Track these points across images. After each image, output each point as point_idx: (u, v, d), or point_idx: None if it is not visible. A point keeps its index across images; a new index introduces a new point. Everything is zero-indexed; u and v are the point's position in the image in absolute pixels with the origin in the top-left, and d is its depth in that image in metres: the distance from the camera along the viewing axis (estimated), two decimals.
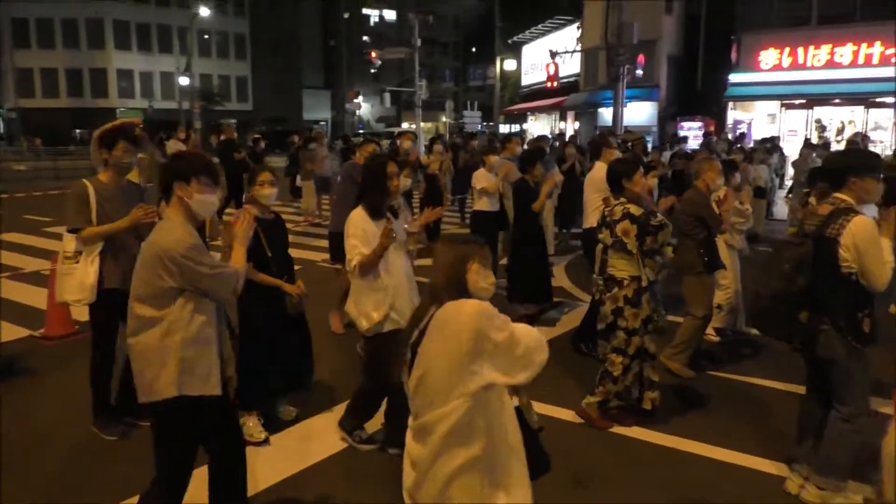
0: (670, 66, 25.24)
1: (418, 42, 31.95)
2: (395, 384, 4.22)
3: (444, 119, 51.75)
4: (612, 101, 23.90)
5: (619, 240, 4.43)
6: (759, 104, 23.91)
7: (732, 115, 24.07)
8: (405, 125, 48.76)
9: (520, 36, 35.61)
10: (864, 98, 21.61)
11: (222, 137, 11.94)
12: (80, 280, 4.23)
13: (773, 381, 5.36)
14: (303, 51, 62.12)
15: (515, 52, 38.94)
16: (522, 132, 32.75)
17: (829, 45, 21.97)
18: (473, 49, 61.92)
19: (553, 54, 22.88)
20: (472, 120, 39.66)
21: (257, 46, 58.25)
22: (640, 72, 20.31)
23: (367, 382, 4.27)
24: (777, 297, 3.58)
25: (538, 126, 34.43)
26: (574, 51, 26.07)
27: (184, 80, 41.93)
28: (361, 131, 44.04)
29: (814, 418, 3.76)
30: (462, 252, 2.40)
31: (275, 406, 4.62)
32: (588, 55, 27.06)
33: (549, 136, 19.30)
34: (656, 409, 4.55)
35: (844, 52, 21.82)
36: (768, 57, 23.21)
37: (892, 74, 20.64)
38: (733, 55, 23.70)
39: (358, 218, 3.96)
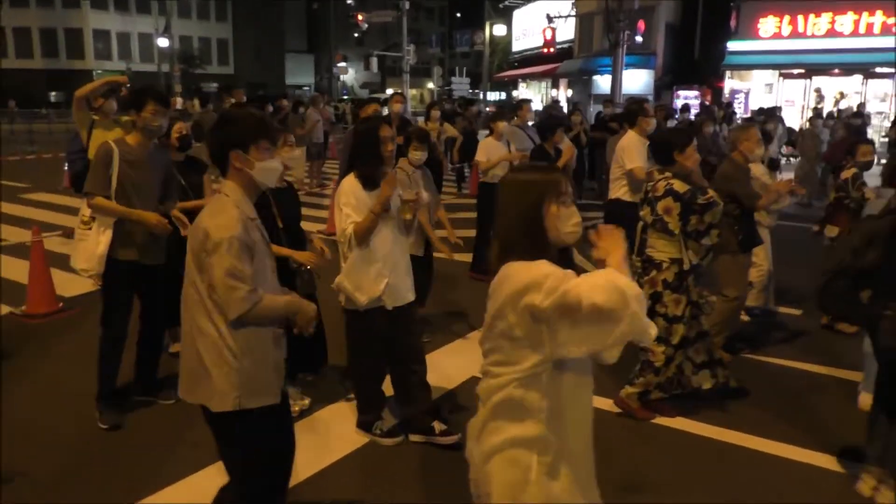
0: (668, 34, 24.70)
1: (406, 4, 31.08)
2: (390, 363, 3.89)
3: (429, 86, 50.76)
4: (607, 69, 23.41)
5: (659, 218, 4.04)
6: (756, 73, 23.54)
7: (730, 84, 23.67)
8: (389, 91, 47.80)
9: (511, 0, 34.76)
10: (864, 68, 21.30)
11: (233, 101, 11.51)
12: (90, 248, 3.94)
13: (810, 363, 5.08)
14: (285, 13, 60.59)
15: (505, 17, 38.08)
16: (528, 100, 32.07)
17: (830, 14, 21.57)
18: (459, 14, 60.71)
19: (550, 19, 22.22)
20: (461, 86, 38.82)
21: (239, 8, 56.63)
22: (639, 38, 19.78)
23: (355, 369, 3.95)
24: (839, 272, 3.21)
25: (529, 93, 33.78)
26: (569, 15, 25.37)
27: (163, 42, 40.63)
28: (346, 97, 43.08)
29: (882, 418, 3.42)
30: (533, 189, 1.95)
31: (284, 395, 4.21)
32: (583, 21, 26.42)
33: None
34: (710, 393, 4.26)
35: (845, 21, 21.44)
36: (768, 25, 22.76)
37: (893, 45, 20.34)
38: (732, 23, 23.23)
39: (348, 186, 3.59)
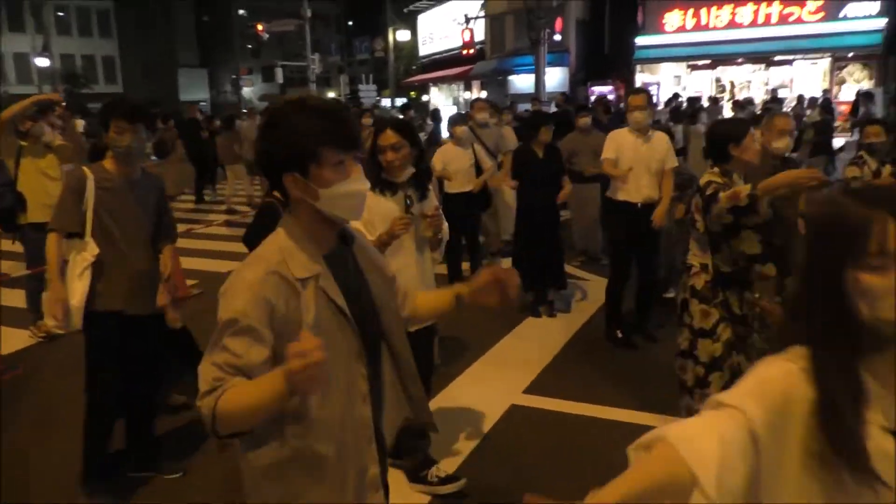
0: (579, 30, 25.01)
1: (308, 12, 30.16)
2: None
3: (330, 94, 49.66)
4: (524, 68, 23.48)
5: (691, 216, 3.68)
6: (664, 66, 24.17)
7: (640, 77, 24.19)
8: None
9: (415, 5, 34.41)
10: (765, 57, 22.25)
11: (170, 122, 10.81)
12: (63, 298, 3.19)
13: None
14: (175, 27, 57.84)
15: (408, 22, 37.69)
16: (479, 98, 31.78)
17: (731, 6, 22.39)
18: (351, 23, 59.80)
19: (468, 20, 21.98)
20: (368, 94, 38.15)
21: (124, 23, 53.49)
22: (557, 36, 19.84)
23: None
24: None
25: (441, 97, 33.54)
26: (477, 17, 25.22)
27: (42, 62, 37.73)
28: (245, 111, 41.46)
29: None
30: (832, 236, 1.14)
31: None
32: (494, 22, 26.38)
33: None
34: None
35: (745, 13, 22.30)
36: (673, 19, 23.42)
37: (790, 33, 21.35)
38: (639, 18, 23.75)
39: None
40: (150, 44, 54.85)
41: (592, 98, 21.71)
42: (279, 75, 34.86)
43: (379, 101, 43.23)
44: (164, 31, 56.36)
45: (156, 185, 3.51)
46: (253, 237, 3.53)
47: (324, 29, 64.35)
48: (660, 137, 5.34)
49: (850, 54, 21.21)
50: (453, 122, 7.40)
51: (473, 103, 8.63)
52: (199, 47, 61.92)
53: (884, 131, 5.06)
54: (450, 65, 29.87)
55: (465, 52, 23.06)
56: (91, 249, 3.18)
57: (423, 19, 34.64)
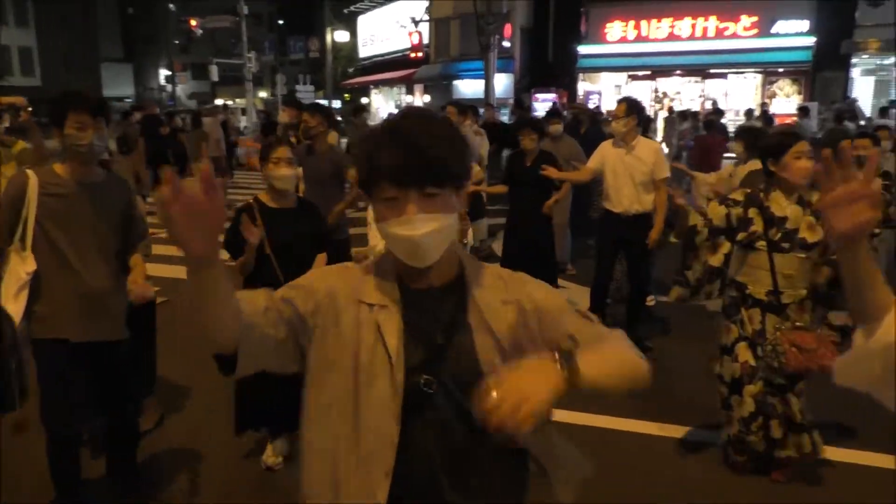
0: (523, 38, 25.19)
1: (245, 9, 29.37)
2: None
3: (261, 94, 48.34)
4: (470, 73, 23.49)
5: None
6: (606, 75, 24.64)
7: (582, 86, 24.59)
8: (219, 101, 44.95)
9: (356, 6, 33.96)
10: (701, 69, 22.98)
11: (134, 116, 10.29)
12: None
13: None
14: (98, 19, 55.27)
15: (347, 23, 37.19)
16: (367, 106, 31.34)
17: (670, 19, 23.04)
18: (282, 21, 58.52)
19: (416, 23, 21.78)
20: (306, 94, 37.44)
21: (43, 13, 50.69)
22: (506, 43, 19.91)
23: None
24: None
25: (380, 100, 33.22)
26: (421, 20, 25.07)
27: None
28: (171, 106, 39.99)
29: None
30: None
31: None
32: (439, 25, 26.28)
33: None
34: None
35: (683, 26, 22.99)
36: (614, 29, 23.91)
37: (726, 47, 22.14)
38: (582, 27, 24.13)
39: None
40: (71, 35, 52.18)
41: (535, 105, 21.99)
42: (214, 73, 33.76)
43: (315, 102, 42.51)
44: (86, 23, 53.78)
45: (123, 188, 3.08)
46: (231, 240, 3.28)
47: (256, 27, 62.78)
48: (646, 147, 5.30)
49: (781, 70, 22.17)
50: None
51: (446, 107, 8.48)
52: (124, 41, 59.44)
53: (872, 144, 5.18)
54: (391, 68, 29.60)
55: (413, 54, 22.86)
56: (28, 265, 2.75)
57: (363, 21, 34.26)
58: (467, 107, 8.58)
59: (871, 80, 21.88)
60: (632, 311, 5.50)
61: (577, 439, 1.14)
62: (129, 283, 2.99)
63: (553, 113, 8.70)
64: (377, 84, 32.76)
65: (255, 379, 2.70)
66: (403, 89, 30.73)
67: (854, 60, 20.96)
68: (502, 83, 24.75)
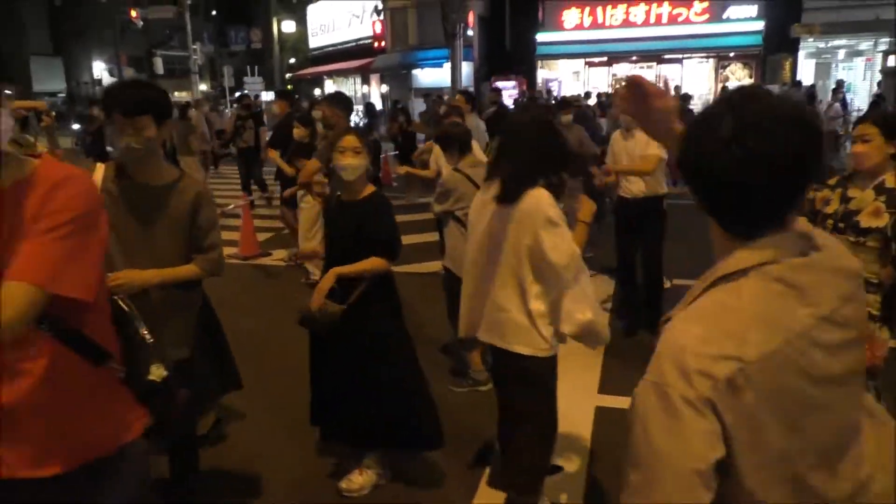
0: (481, 26, 25.22)
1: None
2: None
3: (202, 87, 47.15)
4: (429, 62, 23.42)
5: None
6: (564, 63, 24.94)
7: (541, 73, 24.82)
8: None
9: None
10: (657, 55, 23.50)
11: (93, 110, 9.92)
12: None
13: None
14: (24, 11, 52.68)
15: (294, 12, 36.48)
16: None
17: (625, 6, 23.44)
18: (214, 12, 56.98)
19: (378, 11, 21.53)
20: (254, 86, 36.63)
21: None
22: (470, 31, 19.90)
23: (538, 437, 2.83)
24: None
25: (335, 90, 32.72)
26: (379, 9, 24.86)
27: None
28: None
29: None
30: None
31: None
32: (395, 15, 26.04)
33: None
34: None
35: (638, 12, 23.43)
36: (571, 16, 24.18)
37: (679, 33, 22.69)
38: (539, 15, 24.31)
39: (550, 198, 2.69)
40: None
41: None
42: (159, 65, 32.63)
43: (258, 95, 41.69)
44: (11, 14, 51.19)
45: (188, 193, 2.70)
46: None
47: (193, 18, 60.90)
48: (640, 132, 5.46)
49: (732, 54, 22.88)
50: (434, 116, 7.13)
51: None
52: (53, 35, 56.85)
53: None
54: (346, 58, 29.19)
55: (376, 43, 22.60)
56: None
57: (313, 10, 33.61)
58: (473, 96, 8.55)
59: (813, 62, 22.84)
60: (648, 296, 5.62)
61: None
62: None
63: (564, 103, 8.74)
64: (331, 74, 32.27)
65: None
66: (359, 79, 30.37)
67: (802, 43, 21.78)
68: (463, 71, 24.77)
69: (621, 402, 4.20)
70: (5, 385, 1.44)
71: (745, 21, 22.19)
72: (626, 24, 23.55)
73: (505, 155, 2.80)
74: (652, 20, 23.28)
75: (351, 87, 31.31)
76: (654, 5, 23.11)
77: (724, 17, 22.43)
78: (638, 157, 5.32)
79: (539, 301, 2.64)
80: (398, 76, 26.81)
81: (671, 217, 5.61)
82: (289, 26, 38.06)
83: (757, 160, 1.08)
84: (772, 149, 1.07)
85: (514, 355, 2.66)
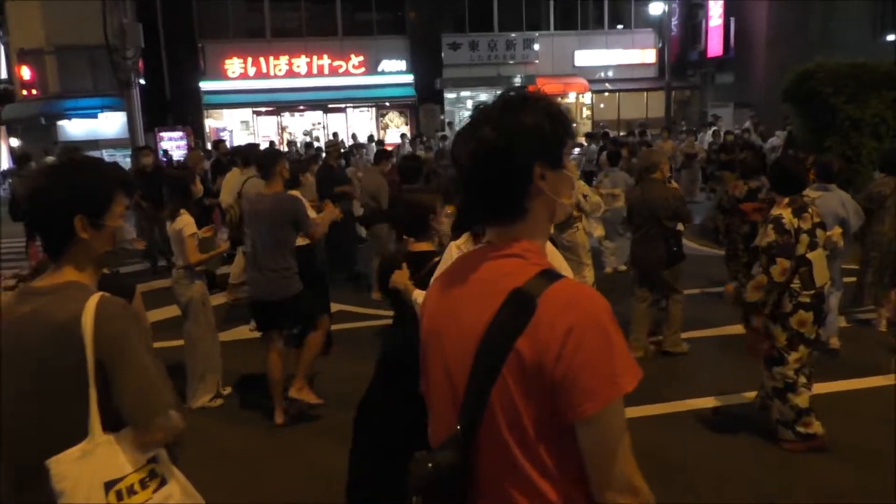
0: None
1: None
2: None
3: None
4: (79, 112, 21.05)
5: None
6: (231, 112, 24.49)
7: (209, 122, 24.00)
8: None
9: None
10: (322, 104, 24.64)
11: None
12: None
13: None
14: None
15: None
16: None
17: (287, 56, 24.10)
18: None
19: (25, 52, 18.32)
20: None
21: None
22: (142, 80, 18.33)
23: None
24: None
25: None
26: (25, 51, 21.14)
27: None
28: None
29: None
30: None
31: None
32: (30, 58, 22.41)
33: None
34: None
35: (300, 63, 24.29)
36: (234, 66, 23.93)
37: (341, 84, 24.22)
38: (200, 63, 23.52)
39: None
40: None
41: (162, 145, 20.54)
42: None
43: None
44: None
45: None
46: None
47: None
48: None
49: (388, 103, 25.19)
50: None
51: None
52: None
53: None
54: None
55: (26, 91, 19.22)
56: None
57: None
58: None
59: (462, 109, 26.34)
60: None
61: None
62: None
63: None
64: None
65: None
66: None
67: (446, 94, 25.07)
68: (119, 122, 22.58)
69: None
70: None
71: (398, 74, 24.70)
72: (291, 73, 24.21)
73: None
74: (315, 71, 24.34)
75: None
76: (315, 57, 24.23)
77: (380, 69, 24.63)
78: None
79: None
80: (37, 127, 23.11)
81: None
82: None
83: None
84: None
85: None
